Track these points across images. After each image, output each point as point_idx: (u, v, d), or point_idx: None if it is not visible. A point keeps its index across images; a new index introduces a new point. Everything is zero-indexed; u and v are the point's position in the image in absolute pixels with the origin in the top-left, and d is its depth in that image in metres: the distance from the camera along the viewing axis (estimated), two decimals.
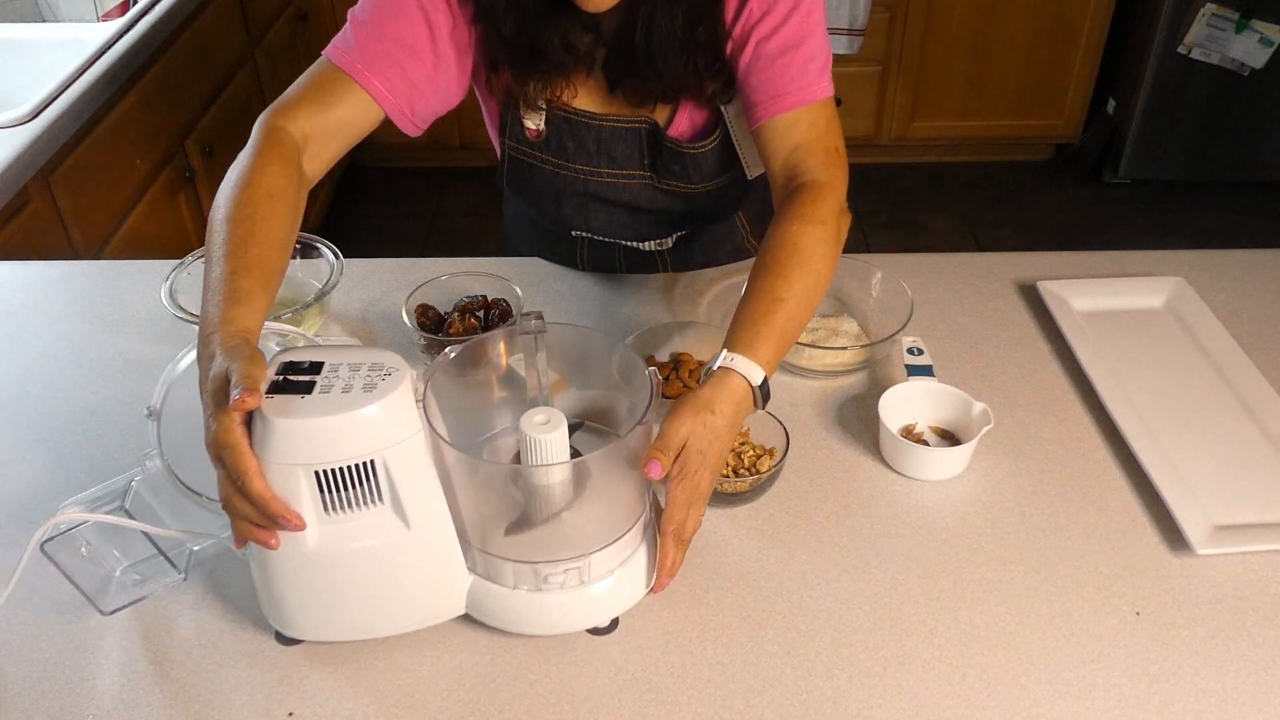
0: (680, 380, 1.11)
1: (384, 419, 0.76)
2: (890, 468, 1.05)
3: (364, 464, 0.76)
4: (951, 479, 1.04)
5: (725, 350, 0.92)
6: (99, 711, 0.83)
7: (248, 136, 0.97)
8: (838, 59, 1.22)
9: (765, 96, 1.05)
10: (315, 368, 0.77)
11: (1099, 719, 0.82)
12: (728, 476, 1.00)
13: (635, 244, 1.35)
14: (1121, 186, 3.42)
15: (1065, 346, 1.19)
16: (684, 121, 1.17)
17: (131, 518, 0.87)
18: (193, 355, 0.90)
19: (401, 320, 1.17)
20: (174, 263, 1.21)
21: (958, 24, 3.21)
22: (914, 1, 3.15)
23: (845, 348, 1.17)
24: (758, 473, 1.01)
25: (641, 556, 0.88)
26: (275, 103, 1.01)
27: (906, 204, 3.39)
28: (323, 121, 1.01)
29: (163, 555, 0.91)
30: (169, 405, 0.89)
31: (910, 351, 1.15)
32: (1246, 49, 3.02)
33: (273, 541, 0.77)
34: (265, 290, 0.85)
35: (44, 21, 2.24)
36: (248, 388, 0.72)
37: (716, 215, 1.35)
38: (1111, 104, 3.36)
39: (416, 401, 0.78)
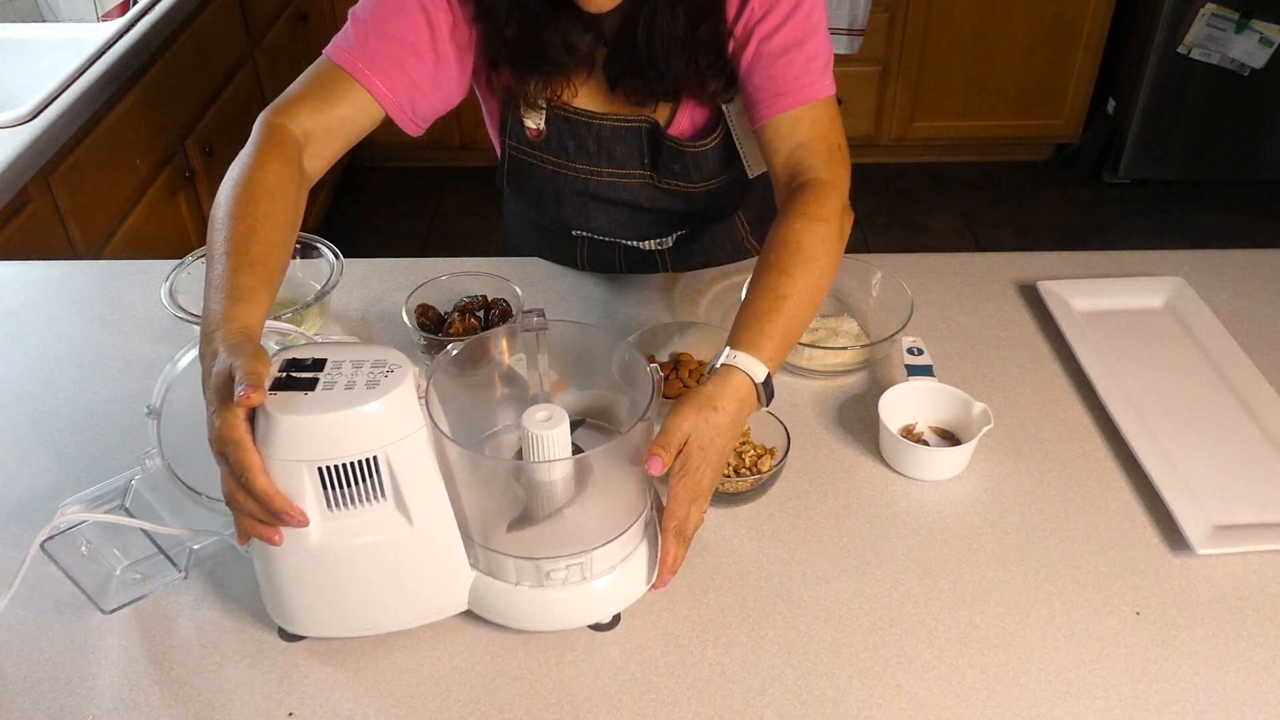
0: (680, 380, 1.11)
1: (387, 415, 0.76)
2: (890, 468, 1.05)
3: (367, 460, 0.77)
4: (951, 479, 1.04)
5: (728, 348, 0.92)
6: (99, 711, 0.83)
7: (248, 136, 0.97)
8: (838, 59, 1.22)
9: (767, 95, 1.05)
10: (318, 364, 0.78)
11: (1099, 719, 0.82)
12: (729, 476, 1.00)
13: (635, 243, 1.35)
14: (1121, 186, 3.42)
15: (1065, 346, 1.19)
16: (685, 120, 1.17)
17: (132, 516, 0.88)
18: (192, 354, 0.90)
19: (401, 320, 1.17)
20: (174, 263, 1.21)
21: (958, 24, 3.21)
22: (914, 1, 3.15)
23: (845, 348, 1.17)
24: (759, 472, 1.01)
25: (643, 553, 0.88)
26: (276, 101, 1.01)
27: (906, 204, 3.39)
28: (323, 120, 1.01)
29: (163, 554, 0.91)
30: (169, 404, 0.89)
31: (910, 351, 1.15)
32: (1246, 49, 3.02)
33: (276, 538, 0.77)
34: (267, 287, 0.85)
35: (44, 21, 2.24)
36: (252, 384, 0.72)
37: (717, 214, 1.35)
38: (1111, 104, 3.36)
39: (419, 398, 0.78)
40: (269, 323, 0.86)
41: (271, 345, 0.86)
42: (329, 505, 0.78)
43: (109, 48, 1.90)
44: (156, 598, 0.92)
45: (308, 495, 0.77)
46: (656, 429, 0.87)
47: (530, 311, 0.89)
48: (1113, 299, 1.27)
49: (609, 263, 1.37)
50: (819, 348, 1.15)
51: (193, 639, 0.89)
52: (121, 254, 1.88)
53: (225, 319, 0.80)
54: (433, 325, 1.20)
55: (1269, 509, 1.00)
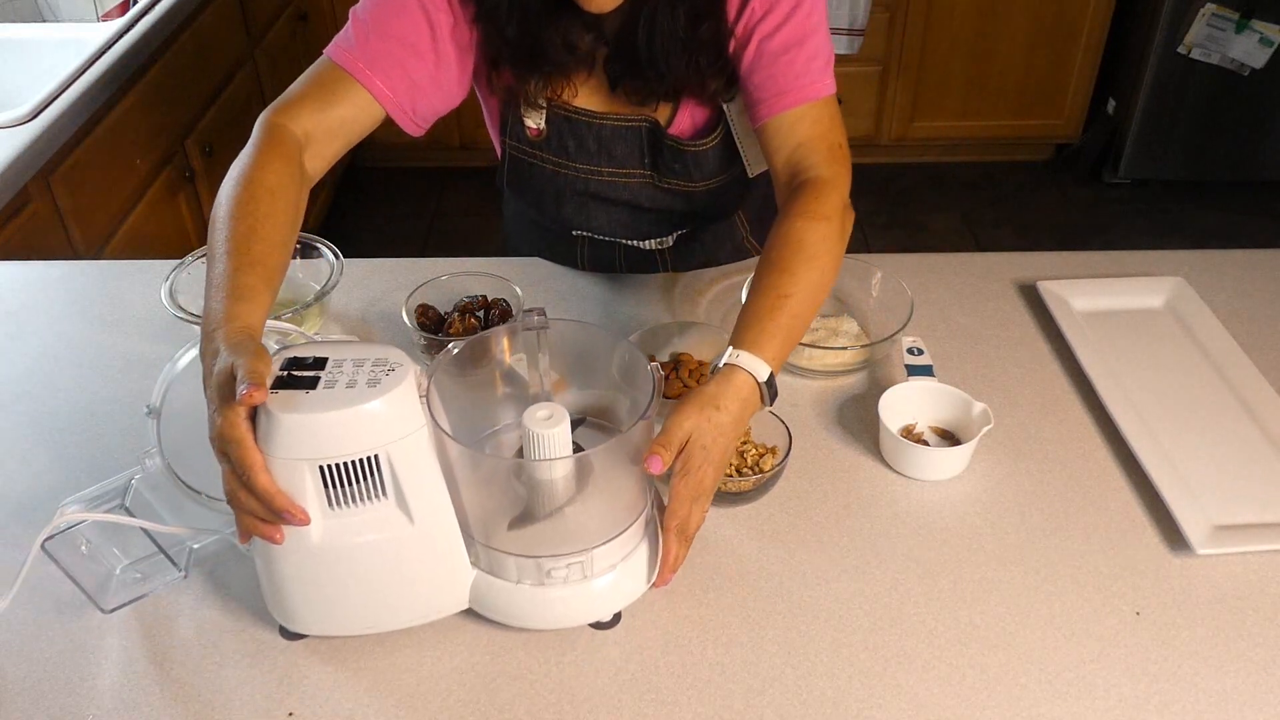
0: (680, 380, 1.11)
1: (388, 414, 0.76)
2: (890, 468, 1.05)
3: (368, 459, 0.77)
4: (951, 479, 1.04)
5: (731, 347, 0.92)
6: (99, 711, 0.83)
7: (248, 136, 0.97)
8: (838, 59, 1.22)
9: (768, 94, 1.05)
10: (319, 363, 0.78)
11: (1099, 719, 0.82)
12: (730, 476, 1.00)
13: (636, 243, 1.35)
14: (1121, 186, 3.42)
15: (1065, 346, 1.19)
16: (685, 120, 1.17)
17: (132, 516, 0.88)
18: (192, 354, 0.90)
19: (401, 320, 1.17)
20: (174, 263, 1.21)
21: (958, 24, 3.21)
22: (914, 1, 3.15)
23: (845, 348, 1.17)
24: (760, 472, 1.01)
25: (644, 551, 0.88)
26: (277, 101, 1.01)
27: (906, 204, 3.39)
28: (324, 120, 1.01)
29: (163, 553, 0.91)
30: (169, 403, 0.90)
31: (910, 351, 1.15)
32: (1246, 49, 3.02)
33: (277, 536, 0.77)
34: (268, 287, 0.85)
35: (44, 21, 2.24)
36: (254, 383, 0.72)
37: (718, 214, 1.35)
38: (1111, 104, 3.36)
39: (420, 397, 0.78)
40: (269, 322, 0.86)
41: (272, 345, 0.86)
42: (330, 504, 0.78)
43: (109, 48, 1.90)
44: (156, 597, 0.92)
45: (309, 494, 0.77)
46: (657, 428, 0.87)
47: (531, 310, 0.89)
48: (1113, 299, 1.27)
49: (609, 262, 1.37)
50: (819, 348, 1.15)
51: (193, 639, 0.89)
52: (121, 254, 1.88)
53: (226, 318, 0.80)
54: (433, 325, 1.20)
55: (1269, 509, 1.00)
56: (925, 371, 1.12)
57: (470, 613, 0.88)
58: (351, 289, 1.31)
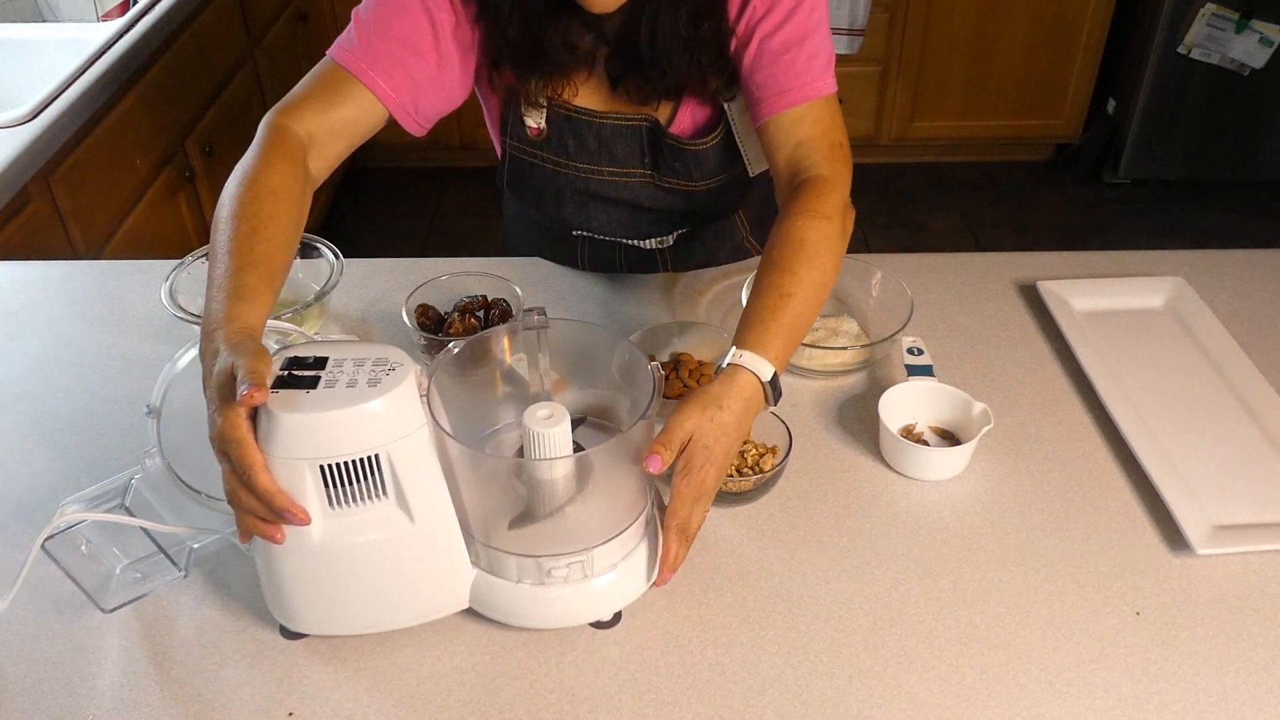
0: (680, 380, 1.11)
1: (388, 414, 0.76)
2: (890, 468, 1.05)
3: (368, 458, 0.77)
4: (951, 479, 1.04)
5: (734, 347, 0.92)
6: (99, 711, 0.83)
7: (248, 136, 0.97)
8: (838, 59, 1.22)
9: (769, 93, 1.05)
10: (320, 363, 0.78)
11: (1099, 719, 0.82)
12: (730, 476, 1.00)
13: (636, 242, 1.35)
14: (1121, 186, 3.42)
15: (1065, 346, 1.19)
16: (686, 119, 1.17)
17: (132, 515, 0.87)
18: (192, 353, 0.90)
19: (401, 320, 1.17)
20: (174, 263, 1.21)
21: (958, 24, 3.21)
22: (914, 1, 3.15)
23: (845, 348, 1.17)
24: (760, 472, 1.01)
25: (644, 551, 0.88)
26: (280, 102, 1.01)
27: (906, 204, 3.39)
28: (327, 121, 1.01)
29: (163, 553, 0.91)
30: (168, 403, 0.90)
31: (910, 351, 1.15)
32: (1246, 49, 3.02)
33: (278, 536, 0.77)
34: (269, 287, 0.85)
35: (44, 21, 2.24)
36: (254, 383, 0.72)
37: (718, 213, 1.35)
38: (1111, 104, 3.36)
39: (420, 396, 0.79)
40: (269, 322, 0.86)
41: (272, 345, 0.86)
42: (330, 503, 0.78)
43: (109, 48, 1.90)
44: (156, 597, 0.92)
45: (309, 493, 0.77)
46: (658, 428, 0.87)
47: (531, 310, 0.89)
48: (1113, 299, 1.27)
49: (609, 262, 1.37)
50: (819, 348, 1.15)
51: (193, 638, 0.89)
52: (121, 254, 1.88)
53: (227, 318, 0.80)
54: (433, 325, 1.20)
55: (1269, 509, 1.00)
56: (925, 371, 1.12)
57: (470, 612, 0.88)
58: (351, 289, 1.31)
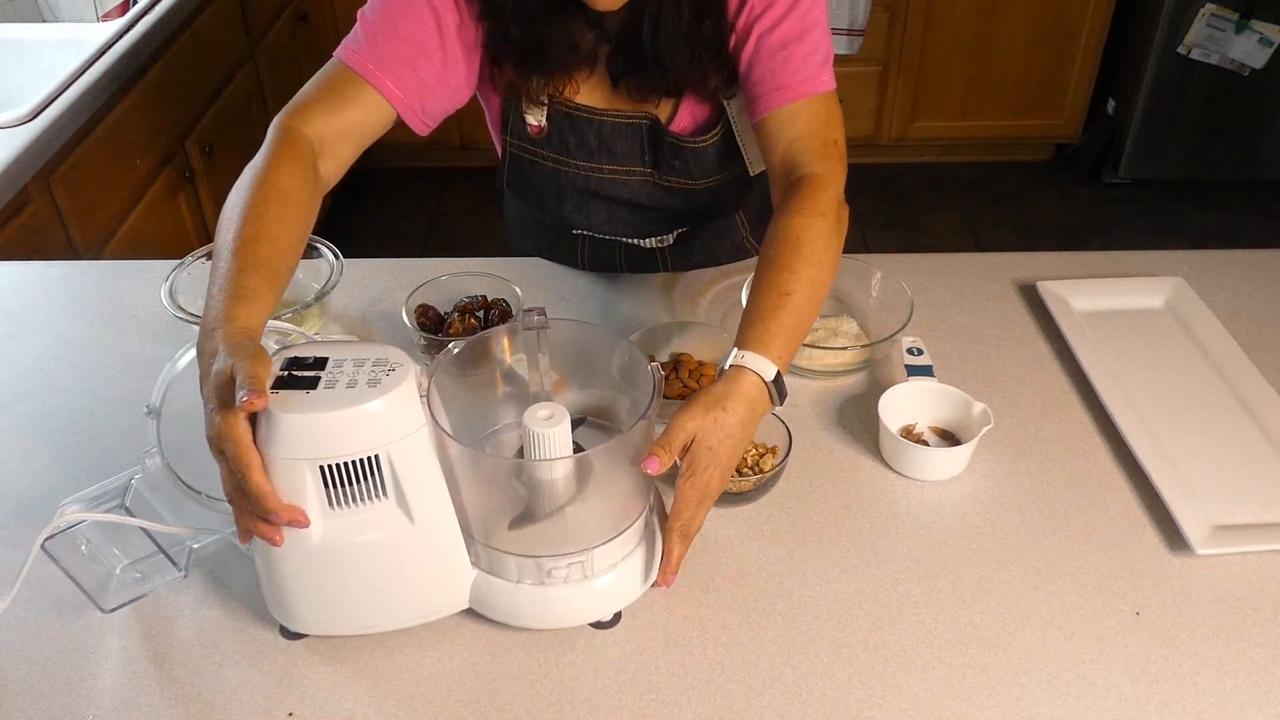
0: (680, 380, 1.11)
1: (388, 414, 0.76)
2: (890, 468, 1.05)
3: (368, 459, 0.77)
4: (951, 479, 1.04)
5: (736, 348, 0.91)
6: (99, 711, 0.83)
7: (248, 137, 0.98)
8: (838, 59, 1.22)
9: (767, 90, 1.06)
10: (320, 363, 0.78)
11: (1099, 719, 0.82)
12: (731, 476, 0.99)
13: (636, 241, 1.35)
14: (1121, 186, 3.42)
15: (1065, 346, 1.19)
16: (686, 117, 1.17)
17: (132, 515, 0.87)
18: (192, 354, 0.90)
19: (401, 320, 1.17)
20: (174, 263, 1.21)
21: (958, 24, 3.21)
22: (914, 1, 3.15)
23: (845, 348, 1.17)
24: (760, 472, 1.01)
25: (644, 551, 0.88)
26: (289, 104, 1.01)
27: (906, 204, 3.39)
28: (336, 122, 1.01)
29: (163, 553, 0.91)
30: (168, 403, 0.90)
31: (910, 351, 1.15)
32: (1246, 49, 3.02)
33: (277, 538, 0.77)
34: (271, 289, 0.85)
35: (44, 21, 2.24)
36: (254, 389, 0.72)
37: (718, 212, 1.35)
38: (1111, 104, 3.36)
39: (420, 397, 0.78)
40: (269, 322, 0.85)
41: (271, 345, 0.86)
42: (330, 503, 0.78)
43: (109, 48, 1.90)
44: (156, 597, 0.92)
45: (309, 493, 0.77)
46: (659, 429, 0.87)
47: (531, 310, 0.89)
48: (1113, 299, 1.27)
49: (609, 261, 1.37)
50: (819, 348, 1.15)
51: (193, 638, 0.89)
52: (121, 254, 1.88)
53: (227, 318, 0.80)
54: (433, 325, 1.20)
55: (1269, 509, 1.00)
56: (925, 371, 1.12)
57: (470, 613, 0.88)
58: (351, 289, 1.31)
